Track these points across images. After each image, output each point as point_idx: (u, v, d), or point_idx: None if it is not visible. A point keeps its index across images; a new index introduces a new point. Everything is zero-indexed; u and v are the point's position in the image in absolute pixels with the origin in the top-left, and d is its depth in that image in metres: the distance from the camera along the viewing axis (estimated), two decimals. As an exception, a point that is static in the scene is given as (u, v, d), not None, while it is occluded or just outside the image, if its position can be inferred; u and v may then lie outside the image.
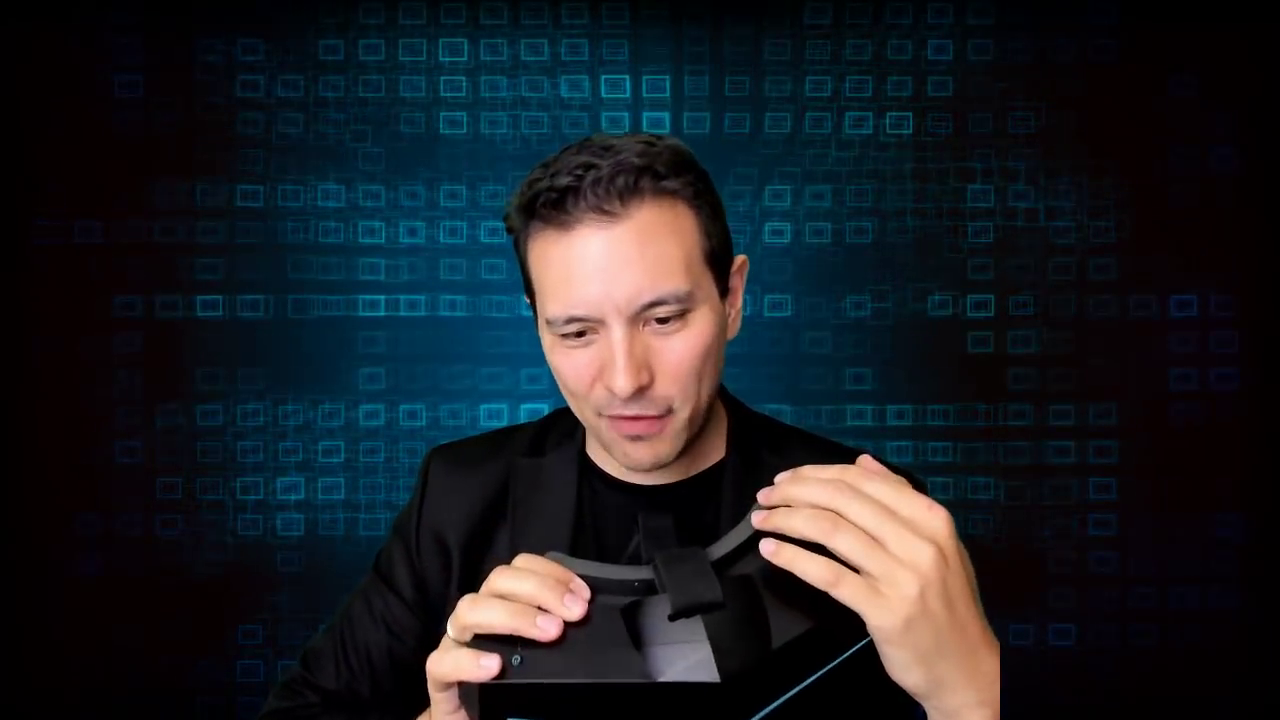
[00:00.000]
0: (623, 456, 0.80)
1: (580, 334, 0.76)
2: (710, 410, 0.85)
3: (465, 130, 1.79)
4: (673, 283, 0.74)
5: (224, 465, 1.77)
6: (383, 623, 0.91)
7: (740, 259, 0.85)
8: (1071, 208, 1.77)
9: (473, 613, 0.56)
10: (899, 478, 0.56)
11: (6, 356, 1.75)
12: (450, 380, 1.78)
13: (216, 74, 1.77)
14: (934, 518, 0.53)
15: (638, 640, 0.55)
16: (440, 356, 1.79)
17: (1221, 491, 1.75)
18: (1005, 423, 1.77)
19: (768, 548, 0.54)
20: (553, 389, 1.83)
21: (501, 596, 0.56)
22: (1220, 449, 1.75)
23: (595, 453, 0.90)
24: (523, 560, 0.59)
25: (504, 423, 1.76)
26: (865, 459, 0.59)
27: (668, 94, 1.78)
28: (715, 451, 0.89)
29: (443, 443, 0.98)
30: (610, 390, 0.74)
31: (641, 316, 0.74)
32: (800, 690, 0.55)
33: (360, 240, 1.79)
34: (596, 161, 0.73)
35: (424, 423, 1.78)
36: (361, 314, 1.79)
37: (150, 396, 1.77)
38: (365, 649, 0.90)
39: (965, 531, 1.74)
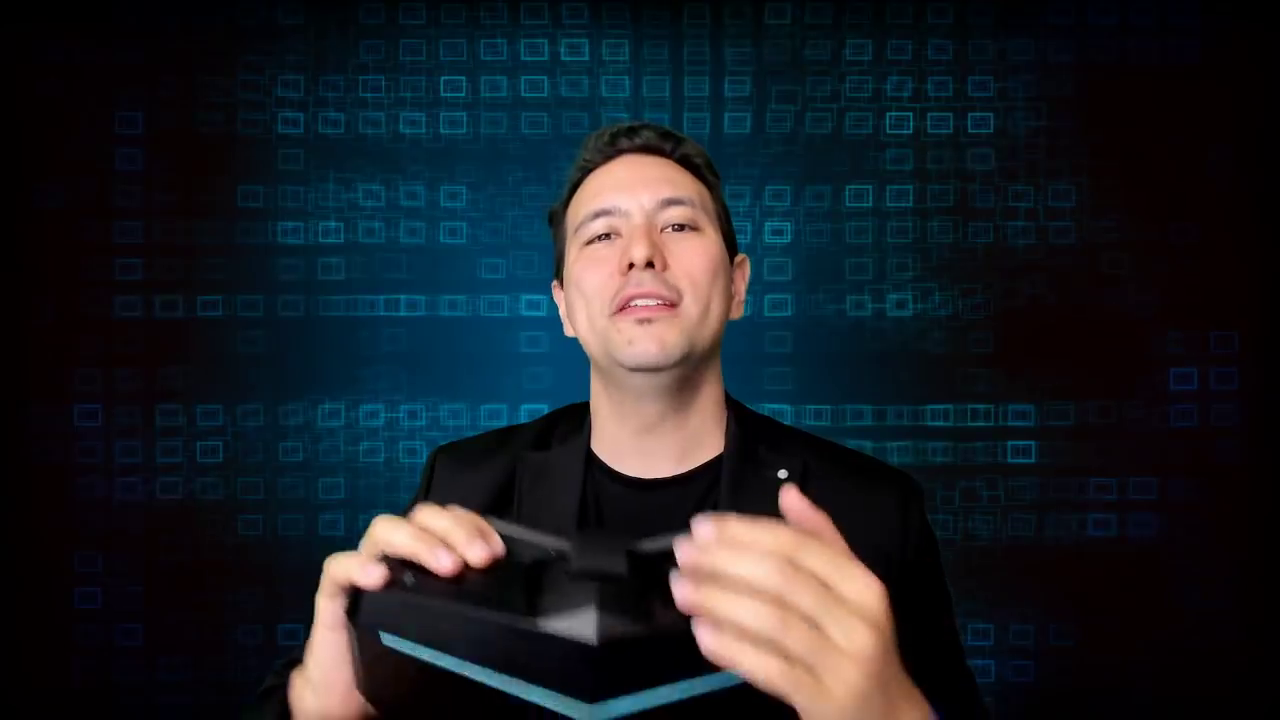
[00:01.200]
0: (627, 346, 0.82)
1: (605, 236, 0.85)
2: (712, 379, 0.89)
3: (466, 130, 1.79)
4: (689, 193, 0.86)
5: (224, 465, 1.77)
6: None
7: (742, 257, 0.93)
8: (1072, 209, 1.77)
9: (384, 530, 0.58)
10: (830, 531, 0.54)
11: (5, 353, 1.75)
12: (450, 380, 1.78)
13: (216, 74, 1.77)
14: (870, 592, 0.50)
15: (534, 595, 0.54)
16: (440, 356, 1.79)
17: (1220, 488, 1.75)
18: (1006, 423, 1.77)
19: (705, 642, 0.49)
20: (553, 389, 1.84)
21: (419, 525, 0.59)
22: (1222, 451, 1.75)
23: (600, 446, 0.91)
24: (457, 509, 0.61)
25: (504, 423, 1.76)
26: (788, 493, 0.55)
27: (668, 94, 1.79)
28: (714, 446, 0.90)
29: (447, 441, 0.99)
30: (630, 265, 0.82)
31: (659, 217, 0.85)
32: (678, 694, 0.53)
33: (360, 240, 1.79)
34: (642, 126, 0.90)
35: (424, 423, 1.78)
36: (361, 314, 1.79)
37: (150, 396, 1.77)
38: None
39: (966, 532, 1.75)
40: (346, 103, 1.78)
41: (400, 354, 1.79)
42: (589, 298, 0.85)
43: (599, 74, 1.79)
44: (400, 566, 0.57)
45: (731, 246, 0.90)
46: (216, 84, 1.77)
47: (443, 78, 1.78)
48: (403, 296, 1.79)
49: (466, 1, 1.78)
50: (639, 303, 0.81)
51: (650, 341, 0.81)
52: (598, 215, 0.85)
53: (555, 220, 0.94)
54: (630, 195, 0.85)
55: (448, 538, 0.57)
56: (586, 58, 1.79)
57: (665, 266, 0.83)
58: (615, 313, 0.82)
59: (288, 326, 1.78)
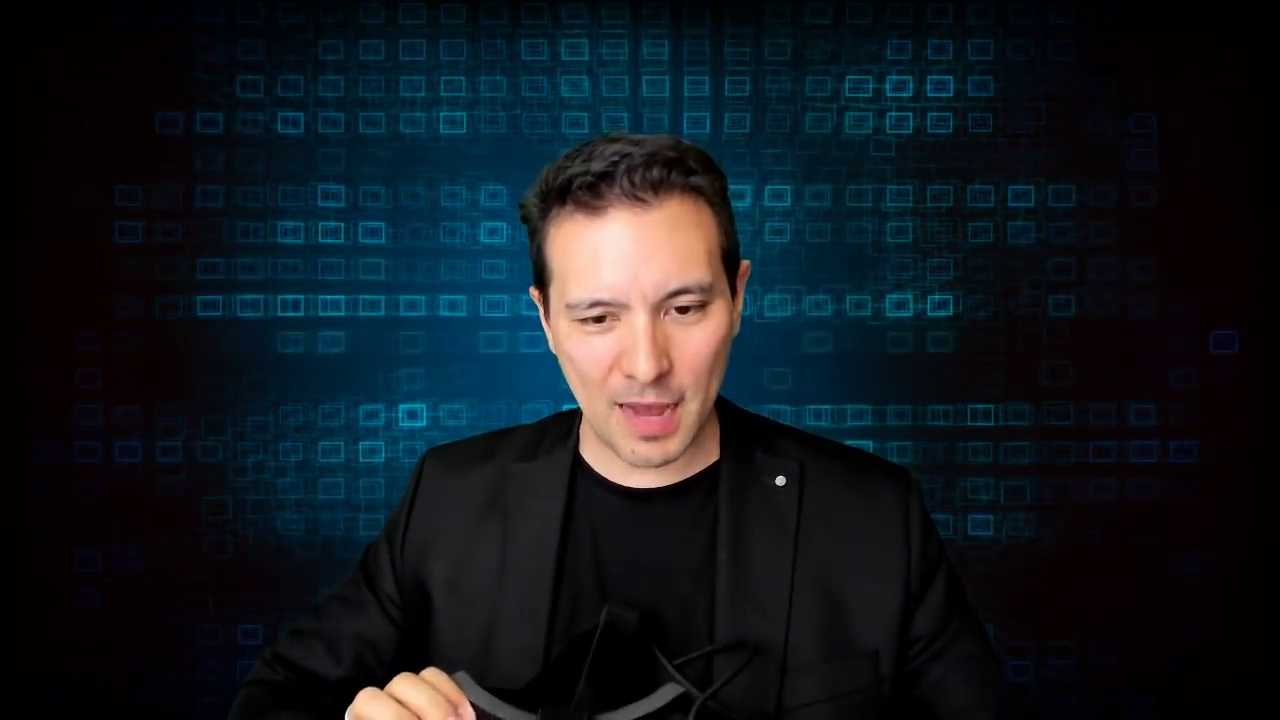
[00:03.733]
0: (630, 454, 0.79)
1: (600, 319, 0.76)
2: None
3: (465, 130, 1.79)
4: (697, 273, 0.75)
5: (224, 465, 1.77)
6: (357, 618, 0.92)
7: (745, 264, 0.86)
8: (1072, 209, 1.77)
9: (367, 704, 0.65)
10: None
11: (5, 353, 1.75)
12: (450, 380, 1.78)
13: (217, 73, 1.77)
14: None
15: None
16: (440, 356, 1.79)
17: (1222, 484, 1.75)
18: (1006, 423, 1.77)
19: None
20: (553, 389, 1.84)
21: (398, 700, 0.65)
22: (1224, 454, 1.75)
23: (590, 455, 0.89)
24: (430, 674, 0.67)
25: (504, 423, 1.76)
26: None
27: (667, 94, 1.78)
28: (708, 454, 0.88)
29: (440, 444, 0.99)
30: (629, 376, 0.75)
31: (664, 305, 0.75)
32: None
33: (361, 240, 1.79)
34: (630, 150, 0.74)
35: (424, 423, 1.78)
36: (362, 314, 1.79)
37: (150, 396, 1.77)
38: (335, 637, 0.91)
39: (966, 532, 1.74)
40: (346, 103, 1.78)
41: (401, 354, 1.79)
42: (583, 381, 0.79)
43: (599, 74, 1.79)
44: None
45: (735, 263, 0.82)
46: (216, 84, 1.77)
47: (442, 78, 1.78)
48: (402, 297, 1.79)
49: (466, 1, 1.78)
50: (641, 421, 0.77)
51: (653, 453, 0.79)
52: (594, 304, 0.74)
53: (530, 224, 0.81)
54: (630, 281, 0.73)
55: (423, 715, 0.64)
56: (586, 58, 1.79)
57: (670, 369, 0.75)
58: (615, 403, 0.78)
59: (287, 327, 1.78)
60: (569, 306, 0.76)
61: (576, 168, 0.75)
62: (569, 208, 0.76)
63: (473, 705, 0.65)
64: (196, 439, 1.77)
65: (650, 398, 0.76)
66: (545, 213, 0.79)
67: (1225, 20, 1.74)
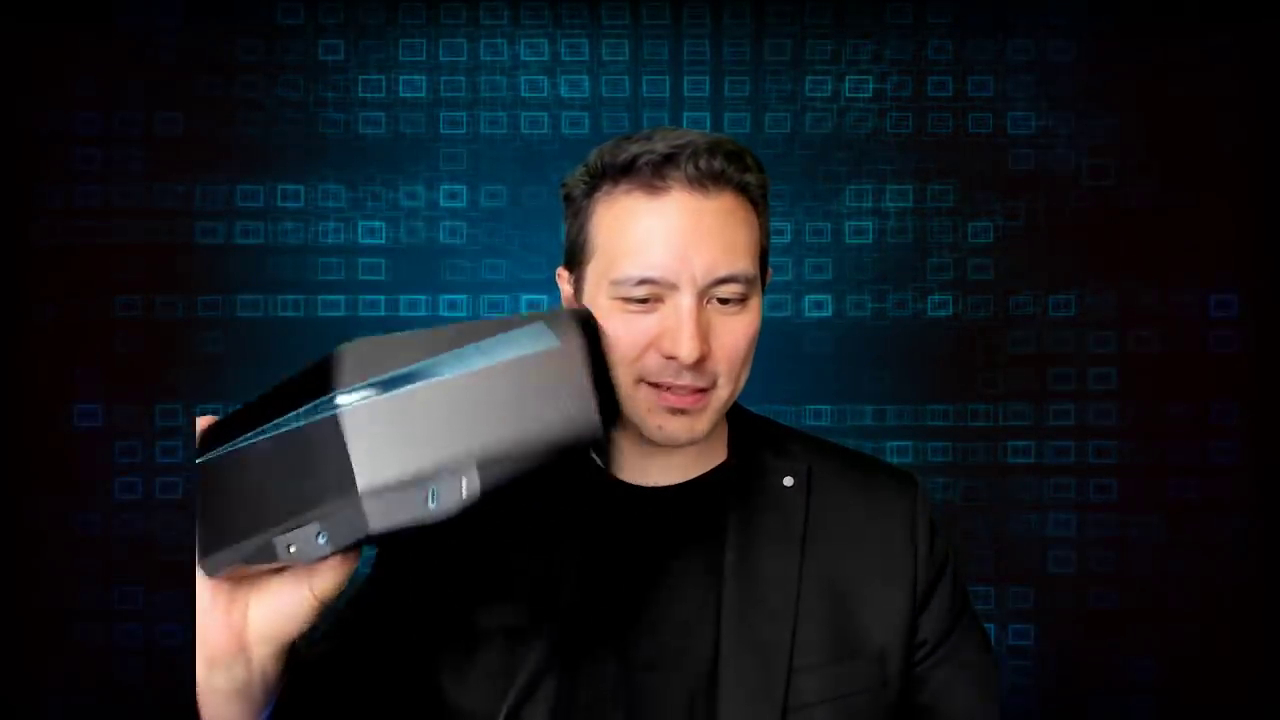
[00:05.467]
0: (656, 430, 0.80)
1: (644, 300, 0.76)
2: None
3: (465, 130, 1.79)
4: (744, 265, 0.77)
5: (224, 465, 1.77)
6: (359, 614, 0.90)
7: (769, 270, 0.88)
8: (1072, 207, 1.77)
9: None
10: None
11: (6, 353, 1.75)
12: (450, 380, 1.78)
13: (217, 73, 1.77)
14: None
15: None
16: (440, 356, 1.78)
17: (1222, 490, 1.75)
18: (1005, 423, 1.77)
19: None
20: (553, 389, 1.82)
21: None
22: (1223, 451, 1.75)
23: (598, 454, 0.90)
24: None
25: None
26: None
27: (667, 94, 1.78)
28: (716, 454, 0.89)
29: None
30: (670, 357, 0.76)
31: (709, 291, 0.76)
32: None
33: (360, 240, 1.79)
34: (695, 139, 0.77)
35: (424, 423, 1.78)
36: (362, 314, 1.79)
37: (150, 396, 1.77)
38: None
39: (966, 532, 1.74)
40: (346, 103, 1.78)
41: (400, 354, 1.78)
42: (616, 358, 0.78)
43: (599, 74, 1.79)
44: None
45: (765, 264, 0.84)
46: (216, 84, 1.77)
47: (442, 77, 1.78)
48: (402, 297, 1.79)
49: (466, 1, 1.78)
50: (674, 396, 0.78)
51: (680, 431, 0.79)
52: (643, 282, 0.76)
53: (573, 202, 0.83)
54: (682, 263, 0.75)
55: None
56: (586, 58, 1.79)
57: (709, 355, 0.77)
58: (644, 380, 0.79)
59: (287, 327, 1.78)
60: (615, 283, 0.77)
61: (639, 148, 0.77)
62: (625, 186, 0.78)
63: None
64: (196, 439, 1.77)
65: (686, 379, 0.77)
66: (593, 190, 0.80)
67: (1226, 20, 1.74)
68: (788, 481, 0.86)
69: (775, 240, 1.77)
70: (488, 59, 1.79)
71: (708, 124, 1.78)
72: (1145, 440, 1.75)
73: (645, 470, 0.87)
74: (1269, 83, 1.74)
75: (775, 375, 1.77)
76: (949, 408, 1.77)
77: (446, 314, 1.79)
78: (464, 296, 1.79)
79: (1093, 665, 1.75)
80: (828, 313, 1.78)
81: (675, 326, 0.75)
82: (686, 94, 1.78)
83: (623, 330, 0.77)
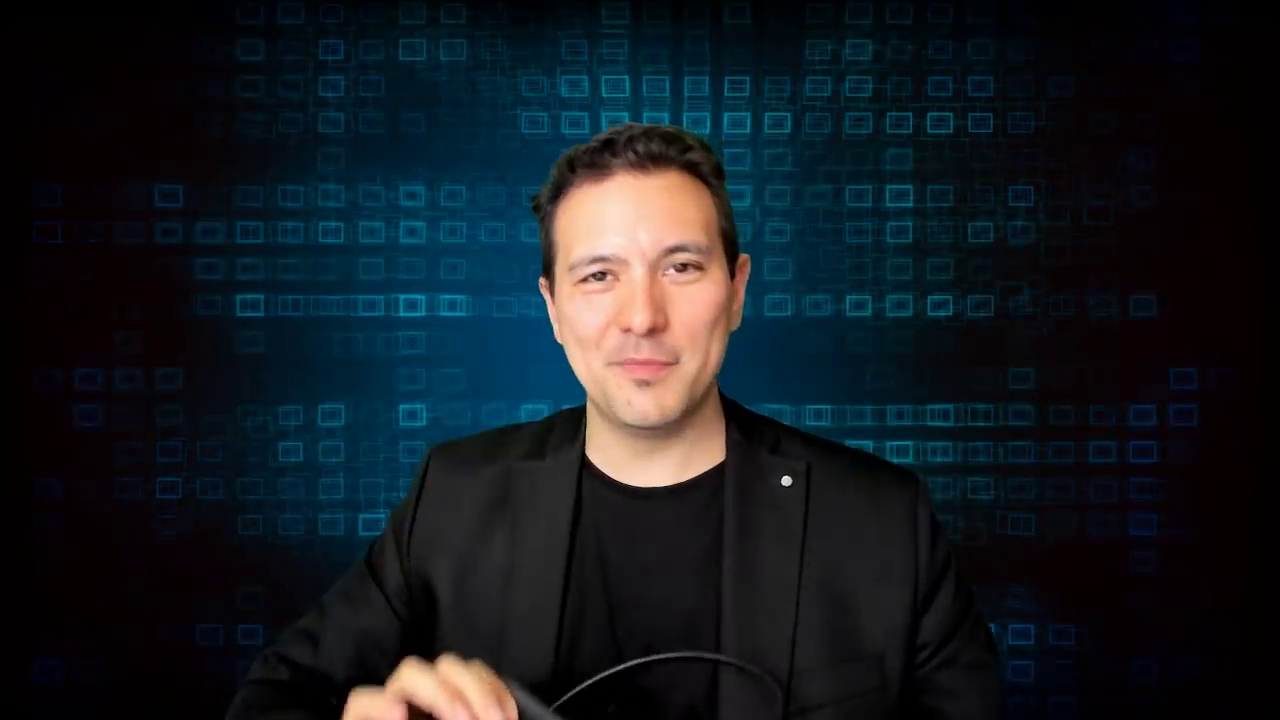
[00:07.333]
0: (626, 407, 0.80)
1: (601, 277, 0.79)
2: (710, 393, 0.86)
3: (465, 130, 1.79)
4: (693, 234, 0.80)
5: (224, 465, 1.77)
6: (362, 614, 0.91)
7: (744, 258, 0.88)
8: (1072, 208, 1.77)
9: (411, 676, 0.64)
10: None
11: (5, 353, 1.75)
12: (450, 380, 1.78)
13: (217, 73, 1.77)
14: None
15: None
16: (440, 357, 1.79)
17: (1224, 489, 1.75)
18: (1006, 423, 1.77)
19: None
20: (554, 389, 1.83)
21: (444, 678, 0.63)
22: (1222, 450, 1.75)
23: (597, 454, 0.89)
24: (480, 667, 0.65)
25: (503, 423, 1.76)
26: None
27: (667, 94, 1.78)
28: (714, 454, 0.88)
29: (443, 441, 0.98)
30: (627, 329, 0.77)
31: (662, 263, 0.79)
32: None
33: (360, 240, 1.79)
34: (633, 126, 0.82)
35: (424, 423, 1.78)
36: (361, 314, 1.79)
37: (150, 397, 1.77)
38: (340, 634, 0.91)
39: (966, 532, 1.74)
40: (346, 103, 1.78)
41: (400, 354, 1.79)
42: (583, 343, 0.81)
43: (599, 74, 1.79)
44: (420, 715, 0.63)
45: (733, 253, 0.86)
46: (216, 84, 1.77)
47: (442, 78, 1.78)
48: (402, 296, 1.79)
49: (466, 2, 1.78)
50: (638, 367, 0.79)
51: (649, 404, 0.79)
52: (594, 260, 0.79)
53: (541, 213, 0.86)
54: (629, 238, 0.78)
55: (469, 698, 0.62)
56: (586, 58, 1.79)
57: (666, 326, 0.78)
58: (611, 362, 0.80)
59: (288, 326, 1.78)
60: (572, 269, 0.81)
61: (583, 145, 0.82)
62: (576, 179, 0.82)
63: (520, 707, 0.64)
64: (196, 439, 1.77)
65: (645, 353, 0.78)
66: (555, 197, 0.84)
67: (1225, 21, 1.74)
68: (786, 481, 0.86)
69: (775, 240, 1.78)
70: (488, 59, 1.79)
71: (707, 124, 1.78)
72: (1146, 440, 1.76)
73: (641, 471, 0.86)
74: (1270, 83, 1.74)
75: (775, 375, 1.77)
76: (949, 407, 1.77)
77: (446, 314, 1.79)
78: (464, 297, 1.79)
79: (1093, 665, 1.75)
80: (828, 312, 1.78)
81: (629, 299, 0.78)
82: (687, 94, 1.78)
83: (586, 312, 0.80)
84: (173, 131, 1.77)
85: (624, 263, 0.78)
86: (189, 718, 1.73)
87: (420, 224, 1.79)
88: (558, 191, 0.84)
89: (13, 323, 1.75)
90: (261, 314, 1.78)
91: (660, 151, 0.80)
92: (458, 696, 0.62)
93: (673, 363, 0.79)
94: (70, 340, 1.76)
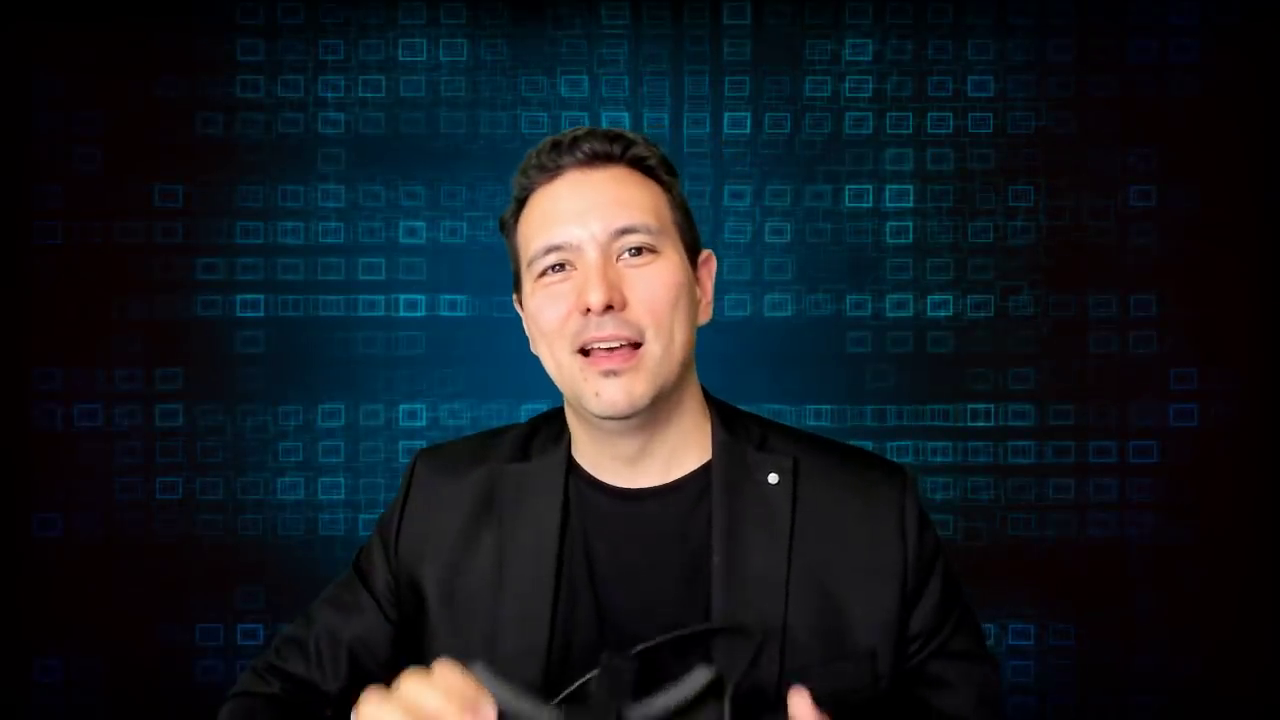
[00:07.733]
0: (594, 399, 0.81)
1: (560, 268, 0.82)
2: (690, 389, 0.87)
3: (465, 130, 1.79)
4: (642, 217, 0.82)
5: (224, 465, 1.77)
6: (352, 619, 0.92)
7: (707, 253, 0.90)
8: (1072, 208, 1.77)
9: (374, 712, 0.62)
10: None
11: (5, 353, 1.75)
12: (450, 380, 1.78)
13: (217, 73, 1.77)
14: None
15: None
16: (440, 357, 1.78)
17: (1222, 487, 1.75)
18: (1005, 423, 1.77)
19: None
20: (553, 389, 1.82)
21: (408, 706, 0.61)
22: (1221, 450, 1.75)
23: (582, 455, 0.89)
24: (443, 671, 0.62)
25: (503, 423, 1.76)
26: (797, 703, 0.63)
27: (667, 94, 1.78)
28: (700, 453, 0.88)
29: (429, 445, 0.99)
30: (586, 310, 0.79)
31: (614, 247, 0.81)
32: None
33: (360, 240, 1.79)
34: (579, 127, 0.86)
35: (424, 423, 1.78)
36: (361, 314, 1.79)
37: (150, 396, 1.77)
38: (331, 641, 0.91)
39: (966, 532, 1.74)
40: (346, 103, 1.78)
41: (400, 354, 1.79)
42: (548, 335, 0.83)
43: (599, 74, 1.79)
44: None
45: (693, 247, 0.87)
46: (216, 84, 1.77)
47: (442, 77, 1.78)
48: (402, 296, 1.79)
49: (466, 2, 1.78)
50: (600, 346, 0.80)
51: (617, 394, 0.80)
52: (549, 250, 0.82)
53: (506, 230, 0.89)
54: (581, 225, 0.81)
55: (440, 718, 0.60)
56: (586, 58, 1.79)
57: (624, 305, 0.80)
58: (578, 352, 0.81)
59: (288, 326, 1.78)
60: (530, 264, 0.84)
61: (532, 151, 0.87)
62: (530, 184, 0.86)
63: (496, 700, 0.61)
64: (196, 439, 1.77)
65: (608, 329, 0.79)
66: (517, 212, 0.88)
67: (1225, 21, 1.74)
68: (773, 478, 0.85)
69: (775, 240, 1.78)
70: (488, 59, 1.79)
71: (707, 124, 1.78)
72: (1145, 439, 1.76)
73: (628, 472, 0.86)
74: (1270, 83, 1.74)
75: (775, 375, 1.77)
76: (949, 408, 1.77)
77: (446, 314, 1.79)
78: (464, 297, 1.79)
79: (1094, 665, 1.75)
80: (828, 312, 1.78)
81: (584, 281, 0.80)
82: (687, 94, 1.78)
83: (547, 305, 0.82)
84: (173, 131, 1.77)
85: (578, 249, 0.81)
86: (189, 718, 1.73)
87: (420, 224, 1.79)
88: (519, 206, 0.87)
89: (13, 323, 1.75)
90: (261, 314, 1.78)
91: (605, 149, 0.84)
92: None
93: (637, 343, 0.80)
94: (70, 340, 1.76)
